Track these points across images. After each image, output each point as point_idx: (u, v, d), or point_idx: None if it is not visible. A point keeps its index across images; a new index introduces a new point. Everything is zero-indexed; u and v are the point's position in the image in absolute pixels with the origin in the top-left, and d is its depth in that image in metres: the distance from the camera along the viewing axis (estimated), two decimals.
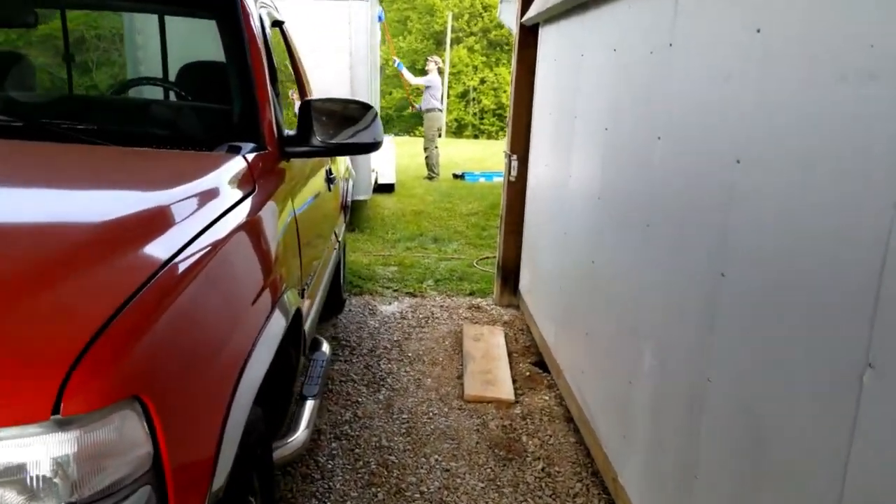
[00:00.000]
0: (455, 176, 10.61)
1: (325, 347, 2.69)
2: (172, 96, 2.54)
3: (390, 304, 4.24)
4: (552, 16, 3.34)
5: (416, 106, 10.19)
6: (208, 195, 1.34)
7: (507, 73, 32.11)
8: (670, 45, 1.85)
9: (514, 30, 4.33)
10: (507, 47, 32.97)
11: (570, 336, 2.86)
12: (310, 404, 2.21)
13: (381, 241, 5.99)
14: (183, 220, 1.20)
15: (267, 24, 2.19)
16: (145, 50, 5.18)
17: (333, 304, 3.84)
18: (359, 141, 1.99)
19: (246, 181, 1.56)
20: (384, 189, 8.49)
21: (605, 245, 2.39)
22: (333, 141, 1.95)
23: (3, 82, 2.17)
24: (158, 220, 1.16)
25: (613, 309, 2.26)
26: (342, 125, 1.98)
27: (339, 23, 5.68)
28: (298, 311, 1.65)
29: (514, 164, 4.22)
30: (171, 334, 0.99)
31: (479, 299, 4.45)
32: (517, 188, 4.24)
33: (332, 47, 5.71)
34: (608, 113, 2.39)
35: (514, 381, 3.20)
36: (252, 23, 2.04)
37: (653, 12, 1.98)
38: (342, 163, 3.73)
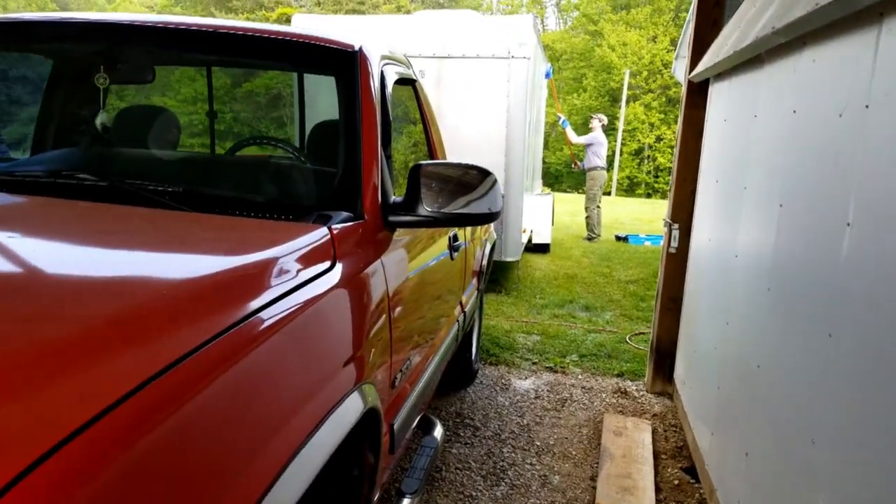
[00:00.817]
0: (618, 238, 10.07)
1: (438, 432, 2.44)
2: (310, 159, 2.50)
3: (526, 379, 3.91)
4: (722, 71, 2.93)
5: (580, 164, 9.85)
6: (263, 276, 1.16)
7: None
8: (866, 106, 1.43)
9: (683, 87, 3.94)
10: None
11: (727, 450, 2.36)
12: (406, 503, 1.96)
13: (527, 305, 5.69)
14: (219, 305, 1.02)
15: (389, 82, 2.06)
16: (312, 107, 5.44)
17: (462, 376, 3.60)
18: (471, 212, 1.76)
19: (323, 257, 1.37)
20: (539, 249, 8.21)
21: (772, 348, 1.92)
22: (443, 210, 1.74)
23: (140, 137, 2.20)
24: (188, 306, 0.99)
25: (780, 432, 1.78)
26: (455, 193, 1.77)
27: (498, 80, 5.60)
28: (373, 410, 1.42)
29: (676, 234, 3.77)
30: (154, 463, 0.79)
31: (627, 382, 3.98)
32: (677, 261, 3.77)
33: (488, 105, 5.64)
34: (783, 186, 1.96)
35: (657, 490, 2.72)
36: (370, 82, 1.91)
37: (843, 67, 1.56)
38: None
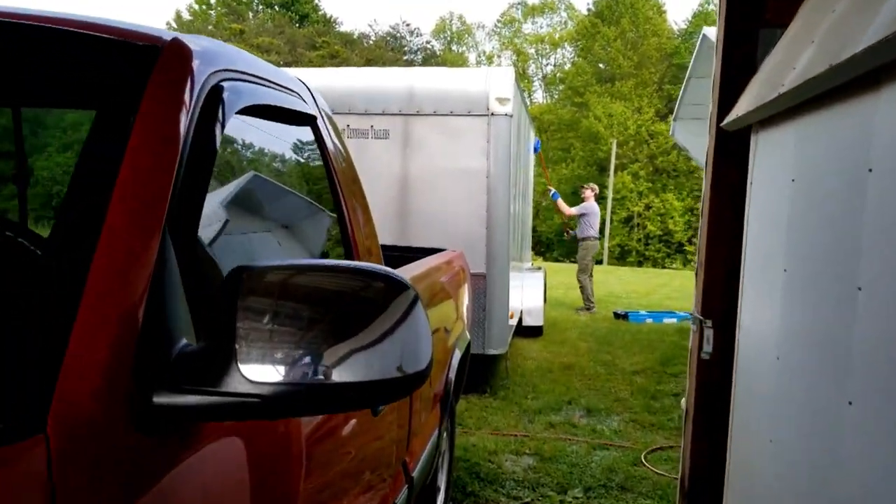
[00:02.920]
0: (616, 315, 9.10)
1: None
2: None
3: None
4: (785, 108, 2.04)
5: (572, 232, 9.30)
6: None
7: (673, 200, 30.35)
8: None
9: (691, 150, 3.08)
10: (673, 173, 31.49)
11: None
12: None
13: (516, 409, 4.65)
14: None
15: (228, 110, 1.11)
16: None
17: None
18: (352, 379, 0.78)
19: None
20: (530, 332, 7.19)
21: None
22: (287, 379, 0.77)
23: None
24: None
25: None
26: (331, 332, 0.79)
27: (476, 140, 4.75)
28: None
29: (709, 333, 2.81)
30: None
31: None
32: (714, 369, 2.80)
33: (466, 168, 4.77)
34: None
35: None
36: (181, 108, 0.98)
37: None
38: (448, 310, 2.54)
